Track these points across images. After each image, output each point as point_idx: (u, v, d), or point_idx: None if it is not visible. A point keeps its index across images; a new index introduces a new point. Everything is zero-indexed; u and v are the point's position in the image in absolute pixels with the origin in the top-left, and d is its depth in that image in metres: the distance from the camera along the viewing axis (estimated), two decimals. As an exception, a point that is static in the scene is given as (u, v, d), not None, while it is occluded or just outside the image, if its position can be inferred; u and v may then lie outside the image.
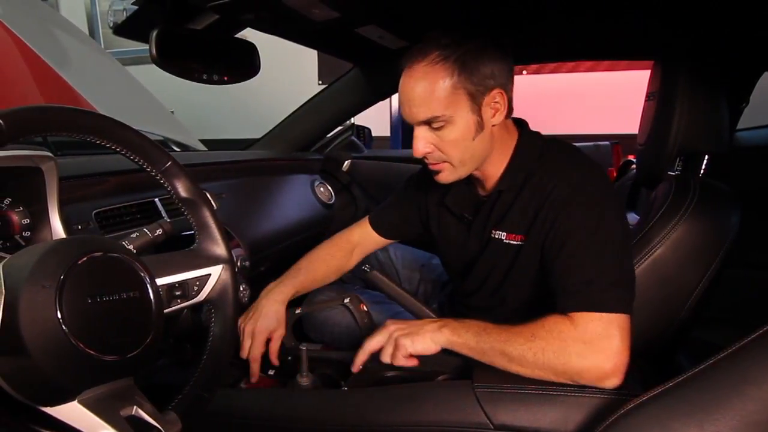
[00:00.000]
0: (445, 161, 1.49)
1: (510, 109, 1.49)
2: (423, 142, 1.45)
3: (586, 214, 1.37)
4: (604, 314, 1.27)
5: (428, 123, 1.43)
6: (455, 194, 1.68)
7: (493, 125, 1.46)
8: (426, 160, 1.51)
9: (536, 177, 1.46)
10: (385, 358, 1.44)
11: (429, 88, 1.39)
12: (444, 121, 1.41)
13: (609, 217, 1.37)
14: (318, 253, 1.87)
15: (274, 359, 1.64)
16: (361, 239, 1.91)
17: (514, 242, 1.50)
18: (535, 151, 1.51)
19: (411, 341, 1.40)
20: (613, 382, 1.26)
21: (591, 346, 1.26)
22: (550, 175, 1.44)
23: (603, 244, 1.34)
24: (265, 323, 1.62)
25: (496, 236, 1.54)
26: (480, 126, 1.43)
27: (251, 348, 1.61)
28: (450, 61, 1.38)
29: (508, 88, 1.46)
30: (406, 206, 1.87)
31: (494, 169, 1.54)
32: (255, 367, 1.63)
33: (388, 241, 1.94)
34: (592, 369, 1.25)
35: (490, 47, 1.42)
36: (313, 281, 1.81)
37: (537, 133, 1.58)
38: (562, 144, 1.54)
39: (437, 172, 1.52)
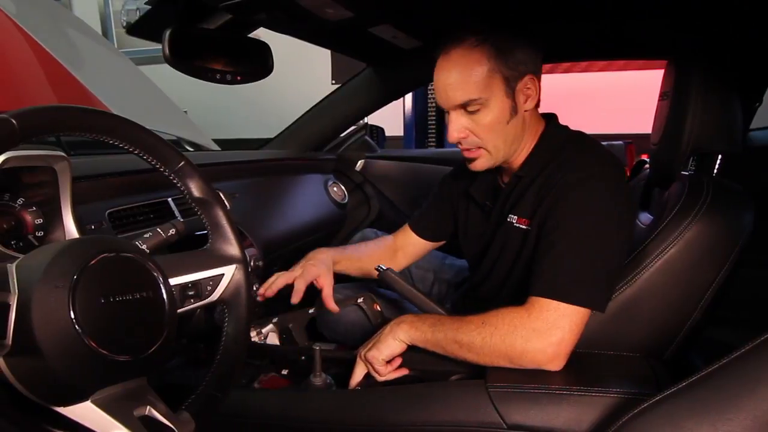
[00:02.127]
0: (480, 147, 1.51)
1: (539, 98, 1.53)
2: (458, 127, 1.49)
3: (582, 205, 1.38)
4: (561, 304, 1.31)
5: (464, 107, 1.46)
6: (479, 184, 1.72)
7: (526, 111, 1.50)
8: (460, 146, 1.54)
9: (553, 164, 1.48)
10: (377, 379, 1.49)
11: (466, 71, 1.43)
12: (480, 104, 1.44)
13: (606, 213, 1.38)
14: (361, 244, 1.95)
15: (332, 306, 1.68)
16: (403, 244, 1.97)
17: (523, 226, 1.52)
18: (558, 141, 1.54)
19: (378, 350, 1.46)
20: (552, 367, 1.32)
21: (538, 333, 1.30)
22: (565, 163, 1.46)
23: (589, 237, 1.36)
24: (314, 270, 1.68)
25: (509, 220, 1.56)
26: (514, 110, 1.48)
27: (300, 276, 1.67)
28: (486, 46, 1.42)
29: (539, 76, 1.50)
30: (443, 205, 1.91)
31: (518, 158, 1.57)
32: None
33: (432, 245, 1.99)
34: (534, 353, 1.31)
35: (522, 35, 1.46)
36: (359, 258, 1.87)
37: (564, 126, 1.61)
38: (585, 137, 1.57)
39: (472, 160, 1.55)
